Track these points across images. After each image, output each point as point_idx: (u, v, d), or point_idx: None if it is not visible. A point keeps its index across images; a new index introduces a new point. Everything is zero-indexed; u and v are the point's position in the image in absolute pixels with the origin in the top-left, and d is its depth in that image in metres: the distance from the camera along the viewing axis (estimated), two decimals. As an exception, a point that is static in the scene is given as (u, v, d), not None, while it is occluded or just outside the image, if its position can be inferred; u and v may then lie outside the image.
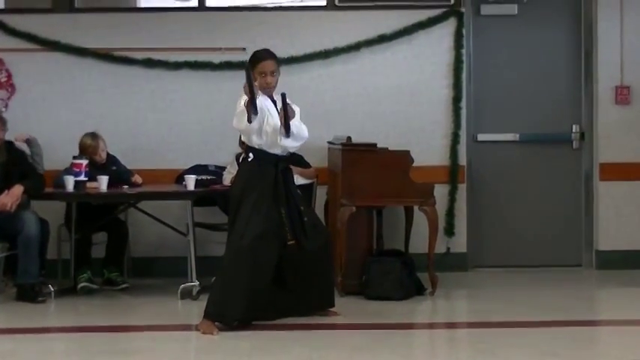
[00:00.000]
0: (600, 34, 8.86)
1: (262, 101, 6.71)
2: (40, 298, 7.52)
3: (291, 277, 6.90)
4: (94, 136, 8.18)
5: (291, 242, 6.77)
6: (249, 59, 6.87)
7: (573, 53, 9.01)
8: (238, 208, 6.75)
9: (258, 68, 6.77)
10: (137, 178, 8.25)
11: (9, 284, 7.87)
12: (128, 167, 8.33)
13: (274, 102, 6.82)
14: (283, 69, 7.03)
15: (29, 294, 7.52)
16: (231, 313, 6.61)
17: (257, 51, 6.93)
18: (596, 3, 8.86)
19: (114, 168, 8.20)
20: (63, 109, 8.70)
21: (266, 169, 6.79)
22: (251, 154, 6.81)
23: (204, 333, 6.55)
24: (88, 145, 8.13)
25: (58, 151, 8.42)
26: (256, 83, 6.63)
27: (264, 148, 6.79)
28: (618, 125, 8.85)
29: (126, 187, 7.99)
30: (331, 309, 7.06)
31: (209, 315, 6.64)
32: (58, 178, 7.88)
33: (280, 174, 6.82)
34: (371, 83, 8.80)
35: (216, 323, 6.61)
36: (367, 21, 8.79)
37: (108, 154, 8.26)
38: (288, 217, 6.79)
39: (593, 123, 8.94)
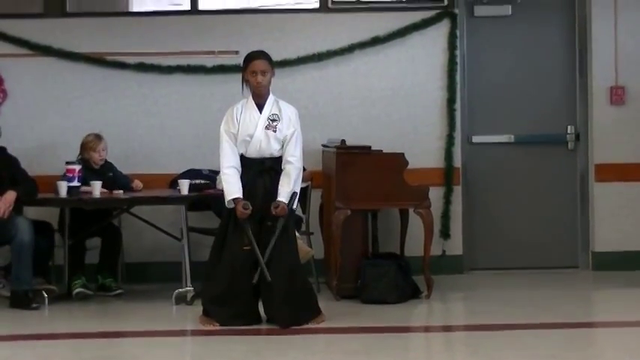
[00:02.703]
0: (594, 34, 8.84)
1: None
2: (34, 305, 7.48)
3: (267, 300, 6.83)
4: (97, 135, 8.15)
5: (246, 248, 6.72)
6: (243, 60, 6.90)
7: (568, 53, 8.99)
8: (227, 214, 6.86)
9: (250, 67, 6.80)
10: (137, 184, 8.19)
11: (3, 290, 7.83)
12: (122, 172, 8.28)
13: (263, 107, 6.82)
14: (276, 72, 7.01)
15: (23, 300, 7.47)
16: (214, 316, 6.82)
17: (251, 52, 6.96)
18: (590, 3, 8.83)
19: (110, 174, 8.14)
20: (55, 114, 8.66)
21: (249, 177, 6.83)
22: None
23: (203, 325, 6.79)
24: (89, 141, 8.09)
25: (50, 157, 8.41)
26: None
27: (247, 155, 6.85)
28: (613, 126, 8.82)
29: (121, 191, 7.95)
30: (316, 317, 6.91)
31: (204, 311, 6.89)
32: None
33: (256, 182, 6.81)
34: (365, 86, 8.77)
35: None
36: (360, 23, 8.76)
37: (105, 161, 8.21)
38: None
39: (588, 124, 8.92)
